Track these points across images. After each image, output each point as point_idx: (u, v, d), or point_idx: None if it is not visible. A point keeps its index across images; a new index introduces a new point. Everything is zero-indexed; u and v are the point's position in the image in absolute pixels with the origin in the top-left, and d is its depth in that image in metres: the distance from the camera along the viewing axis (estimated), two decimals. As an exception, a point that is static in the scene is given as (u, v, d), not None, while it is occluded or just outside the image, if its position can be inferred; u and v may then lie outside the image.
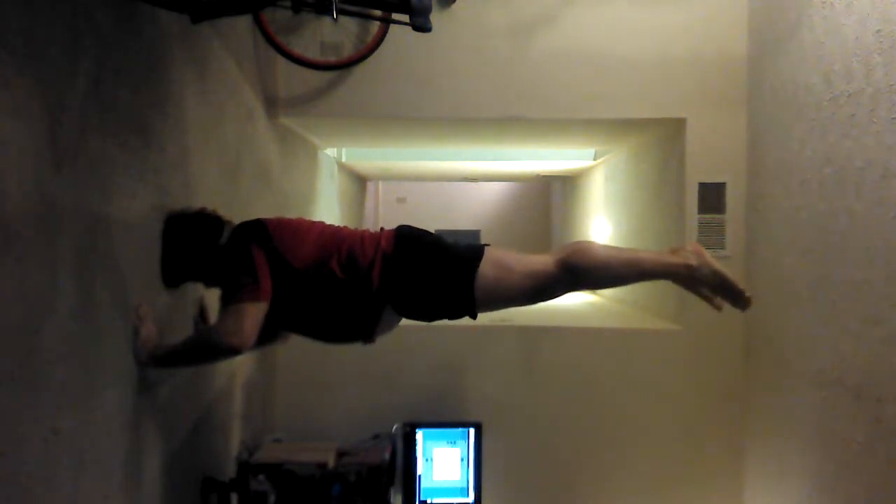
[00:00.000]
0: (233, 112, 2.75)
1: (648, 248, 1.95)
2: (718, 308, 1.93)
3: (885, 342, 2.22)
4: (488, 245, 1.96)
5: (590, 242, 1.94)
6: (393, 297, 1.91)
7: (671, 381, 3.37)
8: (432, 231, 2.00)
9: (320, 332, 2.05)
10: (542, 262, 1.88)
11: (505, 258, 1.90)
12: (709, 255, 1.91)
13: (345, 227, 2.07)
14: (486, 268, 1.87)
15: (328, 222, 2.10)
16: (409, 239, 1.94)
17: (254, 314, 1.83)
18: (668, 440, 3.37)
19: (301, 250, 1.91)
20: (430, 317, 1.98)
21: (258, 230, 1.94)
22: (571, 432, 3.41)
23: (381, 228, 2.01)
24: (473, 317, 1.95)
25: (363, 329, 1.98)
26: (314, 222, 2.06)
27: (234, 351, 1.82)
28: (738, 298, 1.90)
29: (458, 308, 1.92)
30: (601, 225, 5.59)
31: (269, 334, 2.16)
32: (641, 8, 3.36)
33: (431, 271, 1.90)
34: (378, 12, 3.02)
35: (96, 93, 1.62)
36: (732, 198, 3.33)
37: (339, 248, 1.93)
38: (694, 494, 3.37)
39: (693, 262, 1.88)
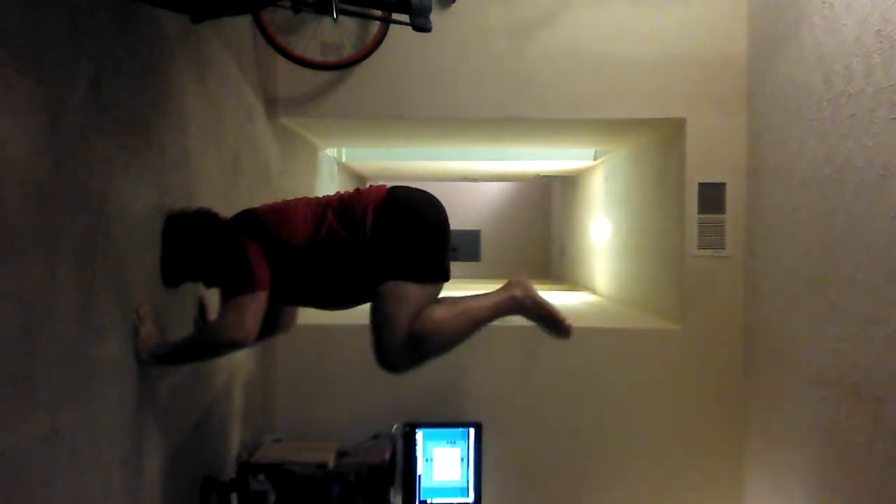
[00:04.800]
0: (233, 112, 2.75)
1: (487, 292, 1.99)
2: (564, 334, 1.97)
3: (885, 342, 2.22)
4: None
5: (429, 307, 1.87)
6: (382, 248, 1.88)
7: (671, 381, 3.38)
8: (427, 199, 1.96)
9: (331, 298, 2.05)
10: (412, 319, 1.83)
11: (411, 295, 1.84)
12: (532, 287, 1.95)
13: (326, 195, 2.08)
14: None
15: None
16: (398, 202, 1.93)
17: (254, 307, 1.84)
18: (668, 439, 3.38)
19: (296, 227, 1.93)
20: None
21: (248, 221, 1.96)
22: (571, 432, 3.41)
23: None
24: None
25: (370, 284, 1.93)
26: (297, 198, 2.06)
27: (238, 345, 1.84)
28: (559, 328, 1.97)
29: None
30: (601, 225, 5.59)
31: (271, 324, 2.16)
32: (641, 8, 3.36)
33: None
34: (378, 12, 3.02)
35: (96, 93, 1.62)
36: (732, 198, 3.33)
37: (330, 206, 1.95)
38: (694, 494, 3.37)
39: (517, 293, 1.93)
